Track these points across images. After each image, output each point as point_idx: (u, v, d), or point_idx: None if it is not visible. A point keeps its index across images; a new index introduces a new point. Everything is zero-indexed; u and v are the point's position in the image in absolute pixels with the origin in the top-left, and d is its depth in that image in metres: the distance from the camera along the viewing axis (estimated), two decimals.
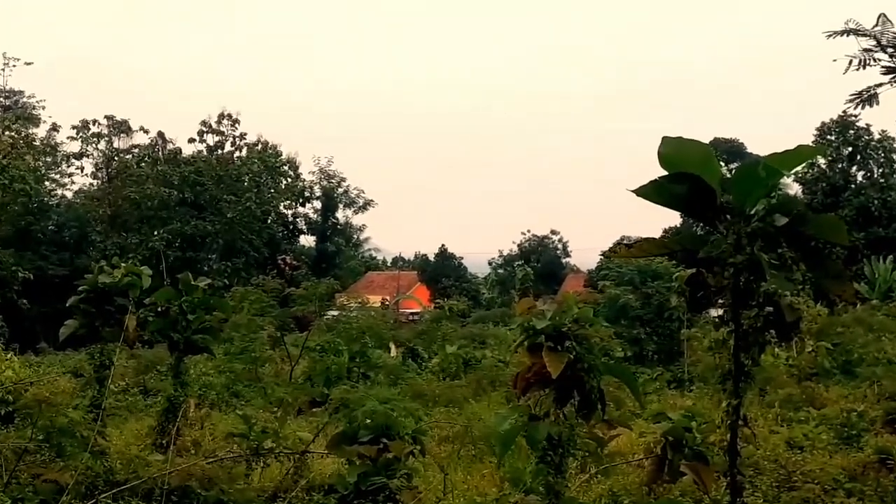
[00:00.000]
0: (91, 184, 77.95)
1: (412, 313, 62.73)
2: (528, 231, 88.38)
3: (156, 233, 71.08)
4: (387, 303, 60.16)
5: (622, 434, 11.41)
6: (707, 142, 6.94)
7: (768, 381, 21.79)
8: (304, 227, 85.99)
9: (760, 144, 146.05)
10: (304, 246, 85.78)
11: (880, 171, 62.07)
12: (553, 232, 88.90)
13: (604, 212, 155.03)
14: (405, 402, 18.06)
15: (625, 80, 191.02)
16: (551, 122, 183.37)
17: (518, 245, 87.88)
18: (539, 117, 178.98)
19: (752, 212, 6.81)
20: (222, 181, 74.69)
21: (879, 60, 11.35)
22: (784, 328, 6.73)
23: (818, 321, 26.46)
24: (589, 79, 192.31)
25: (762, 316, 6.63)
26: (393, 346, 38.44)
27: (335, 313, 35.24)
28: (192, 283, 14.00)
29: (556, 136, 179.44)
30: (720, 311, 7.12)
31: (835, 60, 12.13)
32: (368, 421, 10.74)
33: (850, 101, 14.07)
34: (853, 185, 61.32)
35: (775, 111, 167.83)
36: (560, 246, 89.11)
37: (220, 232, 72.41)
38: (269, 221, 78.57)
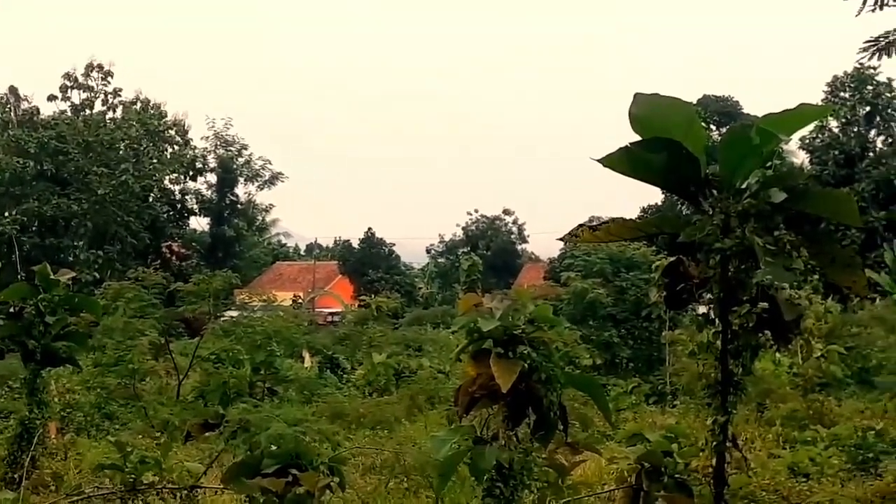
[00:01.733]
0: None
1: (331, 313, 62.55)
2: (476, 211, 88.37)
3: (7, 214, 69.97)
4: (299, 301, 59.87)
5: (589, 460, 11.52)
6: (693, 100, 7.01)
7: (767, 394, 22.14)
8: (195, 206, 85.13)
9: (760, 104, 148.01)
10: (195, 230, 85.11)
11: None
12: (506, 212, 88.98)
13: (570, 188, 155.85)
14: (321, 424, 18.05)
15: (595, 25, 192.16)
16: (505, 84, 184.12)
17: (463, 228, 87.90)
18: (491, 79, 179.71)
19: (744, 186, 6.89)
20: (91, 149, 73.68)
21: None
22: (782, 328, 6.83)
23: (828, 320, 26.88)
24: (549, 29, 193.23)
25: (755, 313, 6.71)
26: (307, 355, 38.27)
27: (234, 314, 34.97)
28: (53, 276, 13.83)
29: (512, 98, 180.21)
30: (706, 308, 7.20)
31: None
32: (274, 447, 10.69)
33: (864, 49, 14.28)
34: (872, 154, 61.55)
35: (778, 63, 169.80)
36: (515, 229, 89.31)
37: (89, 213, 71.49)
38: (150, 199, 77.76)
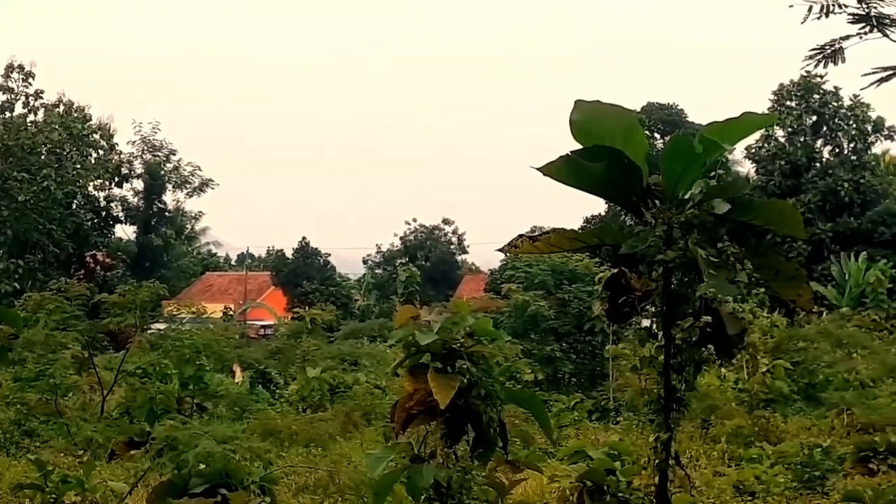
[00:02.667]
0: None
1: (263, 326, 62.26)
2: (415, 220, 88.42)
3: None
4: (230, 313, 59.55)
5: (530, 478, 11.56)
6: (637, 108, 7.07)
7: (712, 410, 22.31)
8: (120, 213, 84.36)
9: (704, 112, 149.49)
10: (120, 239, 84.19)
11: (851, 146, 63.04)
12: (446, 221, 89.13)
13: (512, 198, 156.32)
14: (252, 442, 17.92)
15: (540, 34, 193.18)
16: (445, 89, 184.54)
17: (401, 238, 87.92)
18: (429, 82, 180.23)
19: (687, 196, 6.96)
20: (11, 153, 72.75)
21: (846, 7, 11.71)
22: (726, 342, 6.90)
23: (774, 334, 27.19)
24: (492, 34, 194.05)
25: (698, 327, 6.77)
26: (238, 370, 38.08)
27: (162, 327, 34.70)
28: None
29: (453, 107, 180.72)
30: (649, 322, 7.26)
31: (791, 6, 12.45)
32: (203, 466, 10.65)
33: (810, 57, 14.48)
34: (818, 164, 62.40)
35: (723, 71, 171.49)
36: (454, 239, 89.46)
37: (9, 220, 70.59)
38: (73, 207, 76.88)
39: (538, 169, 6.92)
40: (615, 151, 6.70)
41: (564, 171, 6.92)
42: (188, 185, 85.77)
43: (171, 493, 10.72)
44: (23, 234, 70.80)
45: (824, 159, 63.05)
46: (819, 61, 16.01)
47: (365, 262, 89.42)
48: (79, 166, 77.16)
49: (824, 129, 62.94)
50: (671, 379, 6.96)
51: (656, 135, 64.06)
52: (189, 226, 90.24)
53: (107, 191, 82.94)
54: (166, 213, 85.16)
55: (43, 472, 12.16)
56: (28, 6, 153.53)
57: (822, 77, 60.06)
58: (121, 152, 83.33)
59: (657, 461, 7.09)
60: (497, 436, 7.93)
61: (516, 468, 9.45)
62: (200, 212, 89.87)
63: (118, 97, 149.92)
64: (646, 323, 7.36)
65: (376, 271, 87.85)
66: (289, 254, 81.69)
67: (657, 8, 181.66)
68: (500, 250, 7.79)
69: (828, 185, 59.61)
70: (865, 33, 11.76)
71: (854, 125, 62.53)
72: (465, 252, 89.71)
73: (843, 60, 13.02)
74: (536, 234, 7.61)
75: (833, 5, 11.57)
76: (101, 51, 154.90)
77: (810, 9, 11.75)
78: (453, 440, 7.84)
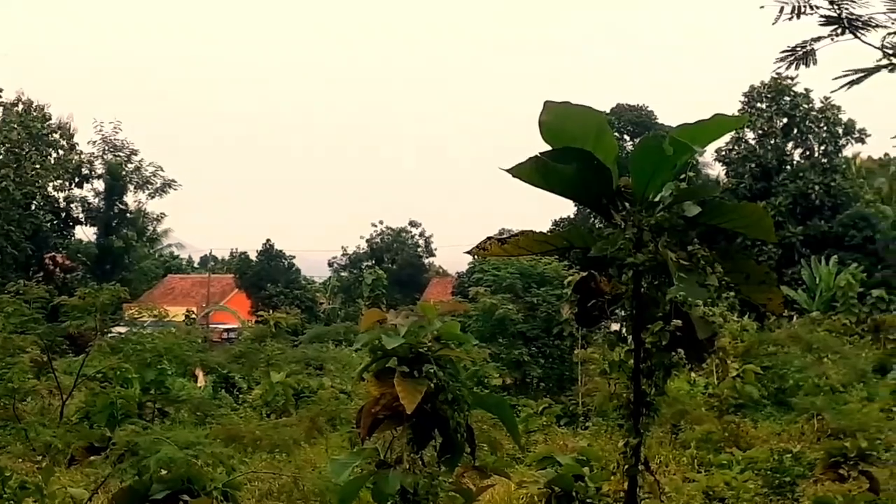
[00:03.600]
0: None
1: (227, 330, 62.10)
2: (381, 223, 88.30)
3: None
4: (193, 316, 59.32)
5: (497, 484, 11.57)
6: (606, 109, 7.09)
7: (682, 415, 22.42)
8: (80, 214, 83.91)
9: (675, 113, 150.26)
10: (80, 241, 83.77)
11: (822, 148, 63.60)
12: (412, 224, 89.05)
13: (480, 200, 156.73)
14: (215, 447, 17.87)
15: (511, 36, 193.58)
16: (413, 91, 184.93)
17: (367, 241, 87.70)
18: (397, 85, 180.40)
19: (657, 199, 6.98)
20: None
21: (817, 8, 11.77)
22: (695, 346, 6.93)
23: (744, 338, 27.33)
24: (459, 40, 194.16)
25: (668, 331, 6.79)
26: (200, 374, 37.98)
27: (123, 330, 34.54)
28: None
29: (422, 107, 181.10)
30: (618, 325, 7.28)
31: (762, 7, 12.50)
32: (164, 472, 10.61)
33: (781, 59, 14.54)
34: (789, 167, 62.83)
35: (693, 72, 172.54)
36: (421, 242, 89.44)
37: None
38: (32, 208, 76.47)
39: (507, 170, 6.92)
40: (585, 153, 6.71)
41: (533, 172, 6.93)
42: (150, 186, 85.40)
43: (132, 500, 10.67)
44: None
45: (795, 162, 63.47)
46: (790, 63, 16.11)
47: (330, 264, 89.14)
48: (38, 166, 76.77)
49: (795, 131, 63.32)
50: (641, 383, 6.98)
51: (626, 136, 64.22)
52: (151, 227, 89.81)
53: (67, 191, 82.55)
54: (128, 215, 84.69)
55: (1, 478, 12.08)
56: None
57: (792, 79, 60.26)
58: (81, 152, 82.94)
59: (626, 467, 7.11)
60: (464, 441, 7.94)
61: (484, 474, 9.45)
62: (162, 213, 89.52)
63: (78, 95, 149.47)
64: (615, 327, 7.38)
65: (342, 274, 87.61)
66: (253, 256, 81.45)
67: (627, 9, 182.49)
68: (468, 253, 7.80)
69: (798, 188, 60.00)
70: (837, 35, 11.82)
71: (825, 128, 63.11)
72: (433, 255, 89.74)
73: (815, 62, 13.08)
74: (505, 236, 7.62)
75: (804, 7, 11.63)
76: (61, 48, 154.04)
77: (781, 10, 11.80)
78: (420, 445, 7.84)
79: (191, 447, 13.39)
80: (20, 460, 20.12)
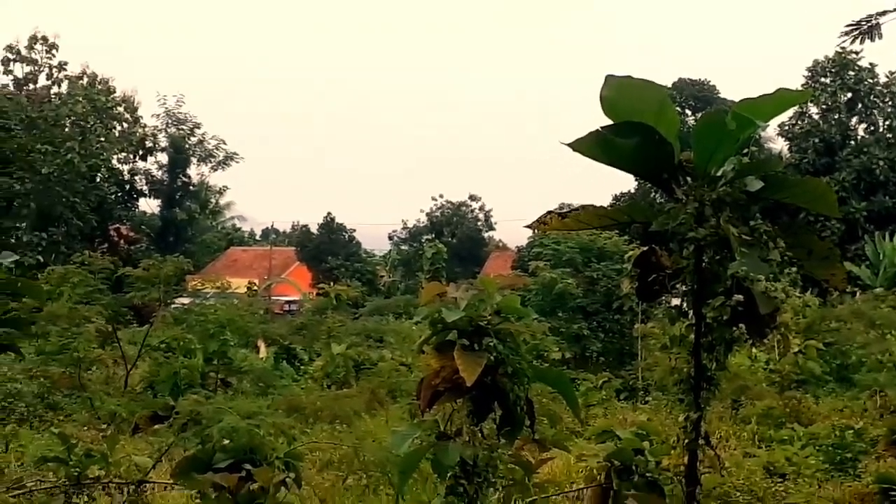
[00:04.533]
0: None
1: (288, 302, 62.50)
2: (441, 196, 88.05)
3: None
4: (255, 288, 59.75)
5: (556, 458, 11.58)
6: (669, 84, 7.04)
7: (742, 391, 22.30)
8: (144, 187, 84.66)
9: (738, 88, 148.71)
10: (144, 213, 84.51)
11: (887, 123, 62.66)
12: (472, 198, 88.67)
13: (541, 173, 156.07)
14: (276, 418, 18.02)
15: (571, 7, 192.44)
16: (471, 64, 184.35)
17: (427, 214, 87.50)
18: (454, 57, 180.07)
19: (719, 173, 6.92)
20: (35, 126, 72.98)
21: None
22: (757, 322, 6.87)
23: (806, 314, 27.10)
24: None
25: (729, 306, 6.75)
26: (262, 345, 38.23)
27: (186, 301, 34.90)
28: None
29: (480, 80, 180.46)
30: (679, 300, 7.24)
31: None
32: (227, 441, 10.69)
33: (846, 33, 14.41)
34: (853, 142, 61.94)
35: (757, 46, 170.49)
36: (481, 216, 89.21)
37: (32, 193, 70.81)
38: (97, 180, 77.11)
39: (568, 145, 6.90)
40: (646, 127, 6.67)
41: (595, 146, 6.89)
42: (213, 159, 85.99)
43: (195, 468, 10.76)
44: (46, 207, 71.05)
45: (859, 137, 62.55)
46: (855, 37, 15.94)
47: (390, 238, 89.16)
48: (103, 139, 77.42)
49: (859, 106, 62.40)
50: (701, 358, 6.94)
51: (688, 111, 63.81)
52: (213, 200, 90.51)
53: (131, 164, 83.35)
54: (191, 188, 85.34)
55: (66, 445, 12.23)
56: None
57: (857, 53, 59.44)
58: (145, 125, 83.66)
59: (686, 441, 7.08)
60: (524, 414, 7.91)
61: (543, 447, 9.45)
62: (225, 186, 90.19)
63: (142, 70, 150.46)
64: (676, 301, 7.33)
65: (402, 247, 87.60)
66: (314, 229, 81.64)
67: None
68: (528, 227, 7.78)
69: (862, 164, 59.15)
70: None
71: (890, 102, 62.25)
72: (493, 229, 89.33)
73: (880, 37, 12.94)
74: (565, 210, 7.57)
75: None
76: (126, 23, 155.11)
77: None
78: (479, 418, 7.82)
79: (253, 417, 13.52)
80: (86, 428, 20.39)
